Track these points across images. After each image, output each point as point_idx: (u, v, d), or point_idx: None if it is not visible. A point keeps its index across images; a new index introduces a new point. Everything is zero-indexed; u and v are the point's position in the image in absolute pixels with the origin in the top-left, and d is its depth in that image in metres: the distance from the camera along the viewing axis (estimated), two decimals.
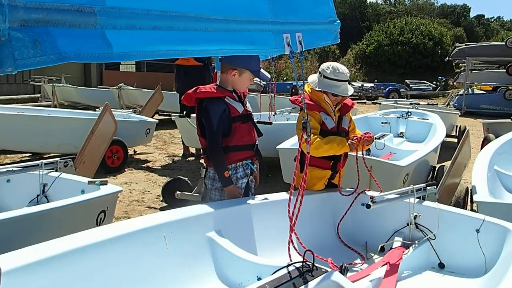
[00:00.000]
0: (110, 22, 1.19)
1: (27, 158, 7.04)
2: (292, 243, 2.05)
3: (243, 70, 2.83)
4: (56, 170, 3.53)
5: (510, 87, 18.10)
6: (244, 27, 1.72)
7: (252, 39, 1.77)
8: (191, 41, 1.51)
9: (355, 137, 3.02)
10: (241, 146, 2.86)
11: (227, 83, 2.87)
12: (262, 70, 2.92)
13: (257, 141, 3.00)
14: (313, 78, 3.14)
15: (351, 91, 3.10)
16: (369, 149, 5.40)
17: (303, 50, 1.98)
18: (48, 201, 3.32)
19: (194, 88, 2.88)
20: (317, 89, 3.05)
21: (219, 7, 1.61)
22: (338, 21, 2.28)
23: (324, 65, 3.09)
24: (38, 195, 3.41)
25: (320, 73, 3.09)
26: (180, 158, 7.67)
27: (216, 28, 1.58)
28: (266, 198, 2.80)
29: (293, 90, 23.00)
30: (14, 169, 3.33)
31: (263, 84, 8.17)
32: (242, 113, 2.88)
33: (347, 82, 3.07)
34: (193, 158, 7.61)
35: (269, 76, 3.01)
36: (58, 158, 3.60)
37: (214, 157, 2.82)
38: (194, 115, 7.15)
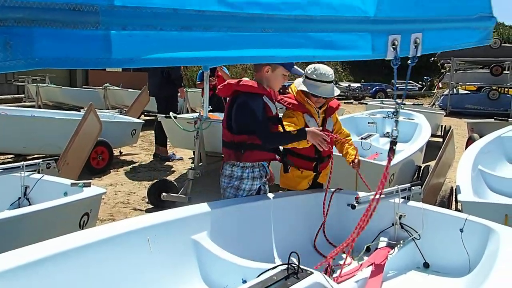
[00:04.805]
0: (118, 22, 1.07)
1: (10, 159, 6.92)
2: None
3: (276, 65, 2.81)
4: (39, 172, 3.47)
5: (494, 87, 18.38)
6: (325, 27, 1.45)
7: (334, 41, 1.48)
8: (237, 44, 1.29)
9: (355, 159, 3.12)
10: (264, 147, 2.82)
11: (261, 82, 2.85)
12: (295, 66, 2.92)
13: None
14: (299, 80, 3.14)
15: (336, 92, 3.07)
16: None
17: (417, 54, 1.62)
18: (29, 204, 3.26)
19: (238, 80, 2.87)
20: (298, 89, 3.06)
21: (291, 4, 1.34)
22: (494, 17, 1.80)
23: (309, 66, 3.08)
24: (19, 198, 3.34)
25: (305, 74, 3.09)
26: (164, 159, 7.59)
27: (278, 28, 1.33)
28: (252, 200, 2.79)
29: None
30: None
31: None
32: (275, 115, 2.87)
33: (332, 84, 3.05)
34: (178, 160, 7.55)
35: (302, 72, 2.98)
36: (41, 160, 3.54)
37: (272, 140, 2.82)
38: (183, 115, 6.99)
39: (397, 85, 1.81)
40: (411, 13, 1.61)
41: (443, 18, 1.70)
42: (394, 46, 1.57)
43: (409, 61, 1.68)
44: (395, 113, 1.81)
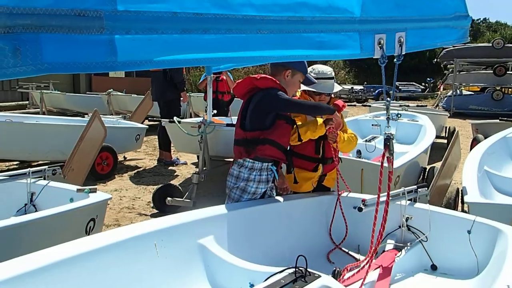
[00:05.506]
0: (121, 26, 1.09)
1: (15, 166, 6.94)
2: None
3: (296, 71, 2.84)
4: (44, 178, 3.47)
5: (498, 88, 18.34)
6: (315, 28, 1.51)
7: (325, 41, 1.54)
8: (234, 46, 1.33)
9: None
10: (276, 143, 2.81)
11: None
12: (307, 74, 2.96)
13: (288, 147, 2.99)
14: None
15: (337, 88, 3.12)
16: (359, 151, 5.44)
17: (402, 53, 1.71)
18: (36, 210, 3.26)
19: (257, 75, 2.86)
20: (300, 90, 3.09)
21: (284, 6, 1.39)
22: (470, 16, 1.91)
23: (308, 68, 3.11)
24: (25, 204, 3.34)
25: None
26: (168, 164, 7.60)
27: (272, 29, 1.38)
28: (258, 203, 2.78)
29: None
30: (1, 178, 3.27)
31: None
32: (289, 115, 2.88)
33: (332, 80, 3.10)
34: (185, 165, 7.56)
35: (315, 80, 3.01)
36: (46, 166, 3.54)
37: (313, 107, 2.87)
38: (187, 119, 6.93)
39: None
40: (394, 13, 1.68)
41: (423, 18, 1.79)
42: (380, 45, 1.65)
43: (395, 60, 1.75)
44: (387, 111, 1.87)
